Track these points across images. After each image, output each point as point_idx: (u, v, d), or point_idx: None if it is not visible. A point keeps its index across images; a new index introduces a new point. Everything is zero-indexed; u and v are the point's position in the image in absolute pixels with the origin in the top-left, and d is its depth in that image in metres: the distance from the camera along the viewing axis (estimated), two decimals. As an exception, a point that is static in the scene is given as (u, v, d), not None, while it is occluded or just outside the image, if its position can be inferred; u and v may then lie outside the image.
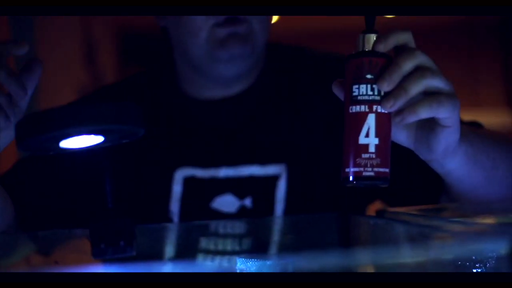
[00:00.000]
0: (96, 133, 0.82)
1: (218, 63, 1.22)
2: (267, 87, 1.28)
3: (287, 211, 1.22)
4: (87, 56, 3.75)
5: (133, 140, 0.87)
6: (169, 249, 1.12)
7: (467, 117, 1.16)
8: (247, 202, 1.23)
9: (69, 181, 1.25)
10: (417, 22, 5.69)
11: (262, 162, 1.24)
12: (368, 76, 0.85)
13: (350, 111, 0.86)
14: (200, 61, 1.23)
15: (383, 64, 0.85)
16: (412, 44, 0.88)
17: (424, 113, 0.85)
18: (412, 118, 0.85)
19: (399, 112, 0.85)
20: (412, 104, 0.85)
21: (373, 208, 1.08)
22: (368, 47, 0.87)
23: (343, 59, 1.26)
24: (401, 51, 0.87)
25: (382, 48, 0.86)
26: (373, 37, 0.87)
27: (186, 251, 1.12)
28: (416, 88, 0.85)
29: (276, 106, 1.28)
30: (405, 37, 0.88)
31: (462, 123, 1.02)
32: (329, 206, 1.20)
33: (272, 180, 1.23)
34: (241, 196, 1.23)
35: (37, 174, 1.25)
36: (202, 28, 1.20)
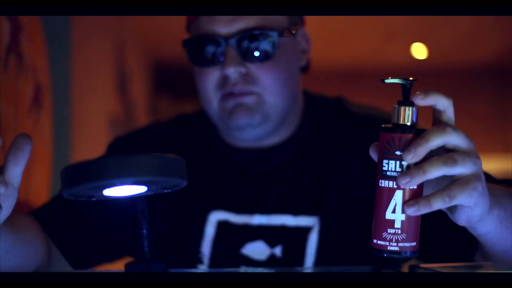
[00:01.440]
0: (140, 183, 0.83)
1: (232, 130, 1.27)
2: (304, 140, 1.30)
3: (317, 264, 1.22)
4: (120, 86, 3.79)
5: (174, 191, 0.88)
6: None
7: (496, 165, 1.15)
8: (277, 250, 1.24)
9: (106, 223, 1.27)
10: (446, 64, 5.68)
11: (295, 212, 1.24)
12: (398, 153, 0.84)
13: (380, 185, 0.86)
14: (219, 125, 1.29)
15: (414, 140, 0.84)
16: (450, 113, 0.86)
17: (438, 205, 0.83)
18: (426, 210, 0.83)
19: (414, 202, 0.83)
20: (427, 196, 0.83)
21: (407, 264, 1.08)
22: (402, 120, 0.85)
23: (378, 117, 1.27)
24: (434, 123, 0.86)
25: (421, 101, 0.84)
26: (407, 110, 0.85)
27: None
28: (435, 173, 0.83)
29: (311, 159, 1.29)
30: (445, 104, 0.85)
31: (494, 182, 1.01)
32: (361, 262, 1.19)
33: (304, 232, 1.24)
34: (272, 245, 1.24)
35: (74, 213, 1.26)
36: (212, 99, 1.26)
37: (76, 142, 2.60)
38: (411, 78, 0.85)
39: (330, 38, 5.43)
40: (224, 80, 1.24)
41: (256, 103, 1.24)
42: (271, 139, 1.30)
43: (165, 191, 0.88)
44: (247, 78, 1.23)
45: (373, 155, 0.88)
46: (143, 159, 0.79)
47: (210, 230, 1.26)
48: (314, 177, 1.27)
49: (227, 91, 1.24)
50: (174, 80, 5.09)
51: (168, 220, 1.27)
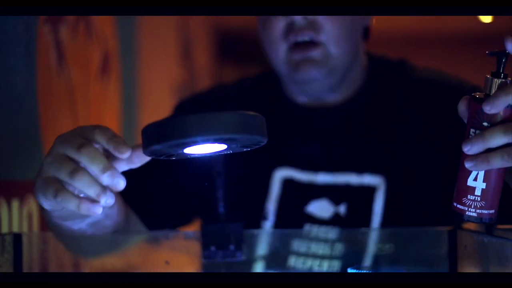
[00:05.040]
0: (221, 141, 0.83)
1: (297, 83, 1.27)
2: (367, 98, 1.30)
3: (383, 224, 1.22)
4: (184, 52, 3.81)
5: (254, 149, 0.88)
6: (275, 255, 1.13)
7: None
8: (342, 209, 1.25)
9: (178, 184, 1.28)
10: None
11: (359, 171, 1.25)
12: (485, 124, 0.83)
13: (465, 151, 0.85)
14: (284, 77, 1.29)
15: (503, 114, 0.83)
16: None
17: (497, 163, 0.82)
18: (484, 167, 0.83)
19: (473, 158, 0.83)
20: (487, 153, 0.83)
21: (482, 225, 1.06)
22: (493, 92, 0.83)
23: (441, 80, 1.26)
24: None
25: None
26: (500, 82, 0.83)
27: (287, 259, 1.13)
28: (495, 141, 0.82)
29: (375, 118, 1.29)
30: None
31: None
32: (428, 222, 1.18)
33: (369, 191, 1.24)
34: (336, 203, 1.25)
35: (147, 174, 1.26)
36: (279, 50, 1.25)
37: (142, 107, 2.63)
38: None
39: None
40: (290, 27, 1.23)
41: (322, 57, 1.23)
42: (333, 96, 1.29)
43: (244, 149, 0.88)
44: (313, 25, 1.22)
45: (461, 110, 0.86)
46: (225, 116, 0.79)
47: (275, 187, 1.27)
48: (378, 137, 1.28)
49: (293, 39, 1.23)
50: (237, 46, 5.09)
51: (233, 177, 1.28)
